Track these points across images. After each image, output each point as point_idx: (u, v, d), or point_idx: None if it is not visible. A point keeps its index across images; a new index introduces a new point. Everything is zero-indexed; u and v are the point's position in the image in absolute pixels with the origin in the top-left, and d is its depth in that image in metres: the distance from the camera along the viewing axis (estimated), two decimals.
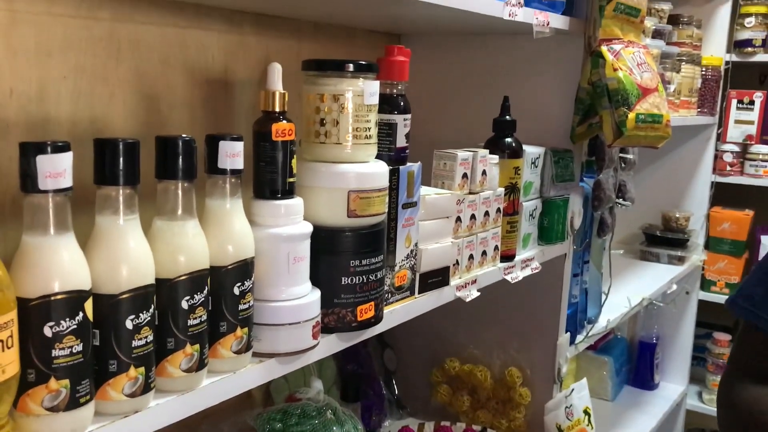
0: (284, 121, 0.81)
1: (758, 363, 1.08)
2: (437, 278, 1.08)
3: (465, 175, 1.14)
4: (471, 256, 1.17)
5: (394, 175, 0.96)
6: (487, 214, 1.19)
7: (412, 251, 1.02)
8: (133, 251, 0.65)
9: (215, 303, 0.75)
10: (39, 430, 0.61)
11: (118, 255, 0.64)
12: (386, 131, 0.97)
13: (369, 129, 0.89)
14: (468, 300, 1.15)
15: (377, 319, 0.93)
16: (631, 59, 1.31)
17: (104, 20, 0.93)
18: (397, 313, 1.01)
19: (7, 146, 0.85)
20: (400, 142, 0.99)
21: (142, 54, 0.99)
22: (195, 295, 0.71)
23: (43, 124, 0.90)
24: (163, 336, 0.70)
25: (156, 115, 1.02)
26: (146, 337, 0.66)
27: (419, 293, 1.05)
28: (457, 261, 1.13)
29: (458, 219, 1.13)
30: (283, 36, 1.23)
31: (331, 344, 0.90)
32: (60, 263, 0.60)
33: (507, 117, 1.25)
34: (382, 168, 0.92)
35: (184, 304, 0.70)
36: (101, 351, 0.65)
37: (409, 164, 0.99)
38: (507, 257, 1.26)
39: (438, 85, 1.49)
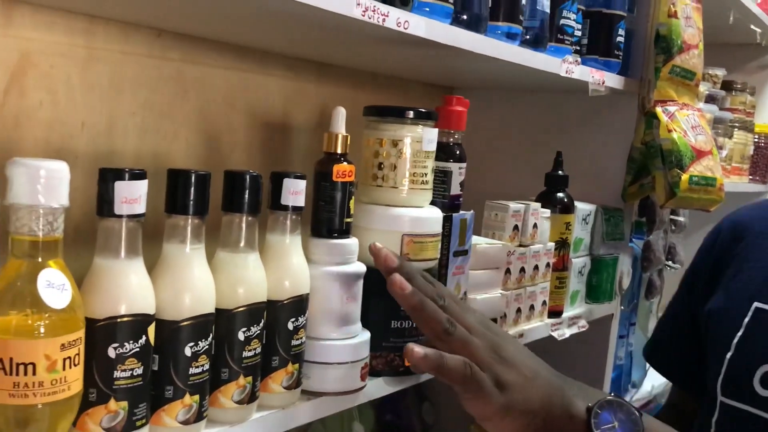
0: (345, 163, 0.83)
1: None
2: None
3: (516, 227, 1.14)
4: (519, 310, 1.16)
5: (447, 221, 0.97)
6: (536, 267, 1.18)
7: (461, 299, 1.02)
8: (197, 280, 0.67)
9: (269, 337, 0.76)
10: None
11: (182, 282, 0.66)
12: (441, 178, 0.99)
13: (426, 175, 0.90)
14: None
15: None
16: (685, 121, 1.31)
17: (174, 60, 0.97)
18: None
19: (74, 177, 0.88)
20: (455, 189, 1.00)
21: (207, 94, 1.03)
22: (252, 327, 0.72)
23: (109, 156, 0.93)
24: (218, 366, 0.71)
25: (216, 153, 1.05)
26: (203, 365, 0.67)
27: None
28: (504, 314, 1.12)
29: (507, 271, 1.13)
30: (341, 84, 1.26)
31: (378, 388, 0.89)
32: (128, 287, 0.61)
33: (559, 172, 1.25)
34: (437, 214, 0.93)
35: (241, 335, 0.71)
36: (159, 376, 0.66)
37: (462, 212, 1.00)
38: (554, 313, 1.25)
39: (490, 139, 1.51)
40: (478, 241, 1.07)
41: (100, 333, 0.60)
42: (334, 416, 1.33)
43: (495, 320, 1.09)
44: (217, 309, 0.70)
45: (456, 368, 0.64)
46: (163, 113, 0.98)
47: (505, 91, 1.51)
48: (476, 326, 0.68)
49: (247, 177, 0.71)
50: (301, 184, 0.77)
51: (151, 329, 0.63)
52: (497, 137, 1.51)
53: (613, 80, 1.26)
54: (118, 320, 0.61)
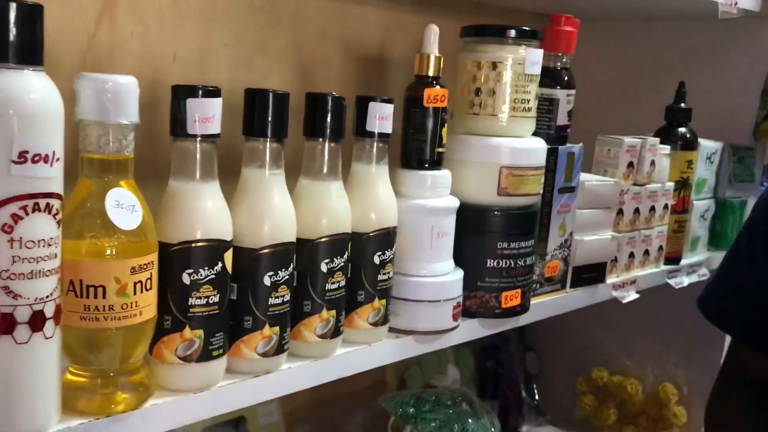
0: (438, 87, 0.77)
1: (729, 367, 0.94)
2: (592, 274, 1.00)
3: (631, 164, 1.04)
4: (632, 254, 1.07)
5: (552, 154, 0.89)
6: (653, 209, 1.08)
7: (566, 241, 0.95)
8: (277, 206, 0.63)
9: (354, 271, 0.72)
10: (171, 378, 0.60)
11: (261, 209, 0.63)
12: (546, 107, 0.91)
13: (528, 101, 0.83)
14: (625, 302, 1.06)
15: (523, 308, 0.86)
16: None
17: None
18: (545, 305, 0.93)
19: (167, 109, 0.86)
20: (561, 119, 0.92)
21: (301, 26, 0.98)
22: (335, 259, 0.68)
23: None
24: (300, 298, 0.68)
25: (311, 88, 1.01)
26: (283, 296, 0.64)
27: (571, 287, 0.97)
28: (615, 257, 1.04)
29: (620, 211, 1.03)
30: (442, 15, 1.19)
31: (472, 329, 0.84)
32: (203, 210, 0.59)
33: (682, 105, 1.14)
34: (540, 144, 0.85)
35: (324, 267, 0.67)
36: (237, 306, 0.63)
37: (569, 145, 0.92)
38: (672, 260, 1.15)
39: (604, 73, 1.39)
40: (588, 179, 0.98)
41: (175, 258, 0.58)
42: (432, 358, 1.29)
43: (604, 264, 1.01)
44: (298, 239, 0.66)
45: None
46: (255, 46, 0.95)
47: (620, 20, 1.38)
48: None
49: (329, 99, 0.67)
50: (388, 108, 0.71)
51: (228, 256, 0.60)
52: (611, 72, 1.39)
53: (748, 1, 1.12)
54: (193, 245, 0.58)
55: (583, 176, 0.98)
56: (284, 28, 0.97)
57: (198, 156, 0.59)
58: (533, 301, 0.90)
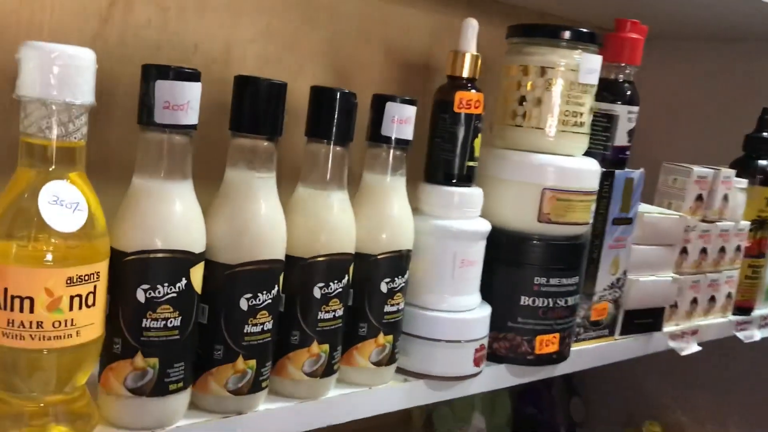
0: (473, 91, 0.65)
1: None
2: (647, 320, 0.87)
3: (700, 197, 0.91)
4: (695, 300, 0.93)
5: (607, 179, 0.76)
6: (723, 250, 0.94)
7: (618, 280, 0.82)
8: (263, 216, 0.53)
9: (357, 299, 0.61)
10: (119, 412, 0.50)
11: (243, 217, 0.53)
12: (603, 124, 0.79)
13: (581, 115, 0.71)
14: (683, 354, 0.92)
15: (561, 355, 0.74)
16: None
17: None
18: (588, 353, 0.81)
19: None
20: (620, 139, 0.79)
21: (339, 25, 0.88)
22: (331, 283, 0.57)
23: (223, 87, 0.82)
24: (287, 328, 0.57)
25: None
26: (264, 323, 0.54)
27: (621, 334, 0.84)
28: (675, 303, 0.90)
29: (684, 250, 0.90)
30: (497, 22, 1.07)
31: (498, 377, 0.72)
32: (167, 214, 0.49)
33: (764, 134, 0.99)
34: (592, 166, 0.73)
35: (317, 292, 0.57)
36: (208, 332, 0.53)
37: (628, 170, 0.79)
38: (742, 309, 1.00)
39: (675, 93, 1.25)
40: (648, 210, 0.85)
41: (128, 270, 0.48)
42: (464, 398, 1.17)
43: (662, 310, 0.88)
44: (288, 256, 0.56)
45: None
46: (286, 43, 0.85)
47: (699, 40, 1.24)
48: None
49: (337, 94, 0.56)
50: (409, 111, 0.61)
51: (196, 272, 0.50)
52: (684, 91, 1.25)
53: None
54: (151, 256, 0.48)
55: (643, 207, 0.85)
56: (320, 26, 0.87)
57: (165, 149, 0.49)
58: (575, 347, 0.78)
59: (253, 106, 0.52)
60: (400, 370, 0.66)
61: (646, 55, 0.81)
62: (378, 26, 0.93)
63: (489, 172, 0.72)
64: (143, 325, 0.49)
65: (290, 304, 0.57)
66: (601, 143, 0.79)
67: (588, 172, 0.72)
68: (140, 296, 0.48)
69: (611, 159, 0.79)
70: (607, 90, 0.78)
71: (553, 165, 0.70)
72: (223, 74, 0.77)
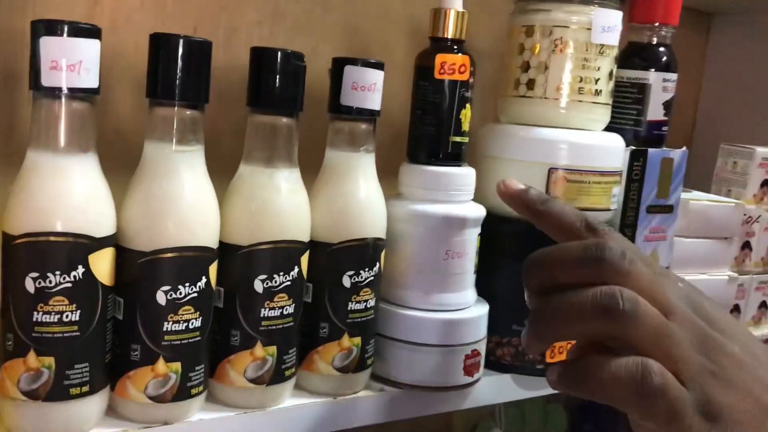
0: (457, 54, 0.56)
1: None
2: None
3: (766, 183, 0.77)
4: (763, 304, 0.80)
5: (637, 158, 0.65)
6: None
7: None
8: (186, 196, 0.46)
9: (316, 295, 0.53)
10: (13, 418, 0.44)
11: (160, 197, 0.46)
12: (633, 95, 0.67)
13: (596, 81, 0.60)
14: None
15: None
16: None
17: None
18: None
19: None
20: (654, 113, 0.67)
21: (358, 5, 0.80)
22: (276, 276, 0.49)
23: (226, 74, 0.76)
24: (226, 326, 0.50)
25: None
26: (188, 321, 0.47)
27: None
28: (736, 305, 0.77)
29: (746, 245, 0.77)
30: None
31: (502, 389, 0.62)
32: (59, 193, 0.42)
33: None
34: (612, 141, 0.62)
35: (258, 286, 0.49)
36: (123, 329, 0.46)
37: (666, 149, 0.68)
38: None
39: (742, 71, 1.09)
40: (696, 197, 0.73)
41: (16, 256, 0.42)
42: (512, 411, 1.06)
43: None
44: (224, 244, 0.49)
45: (626, 374, 0.33)
46: (297, 25, 0.78)
47: (762, 13, 1.08)
48: (679, 306, 0.35)
49: (278, 55, 0.49)
50: (372, 75, 0.52)
51: (99, 259, 0.44)
52: (753, 69, 1.09)
53: None
54: (40, 239, 0.42)
55: (691, 194, 0.72)
56: (335, 6, 0.79)
57: (54, 117, 0.42)
58: None
59: (171, 69, 0.45)
60: (378, 378, 0.58)
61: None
62: (401, 6, 0.84)
63: (489, 151, 0.62)
64: (34, 319, 0.42)
65: (229, 300, 0.50)
66: (630, 117, 0.67)
67: (606, 148, 0.61)
68: (29, 286, 0.42)
69: (644, 136, 0.68)
70: (638, 55, 0.67)
71: (562, 140, 0.60)
72: (225, 61, 0.71)
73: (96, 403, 0.46)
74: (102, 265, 0.44)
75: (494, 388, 0.62)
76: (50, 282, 0.42)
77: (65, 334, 0.43)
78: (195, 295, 0.47)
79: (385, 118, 0.67)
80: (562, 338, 0.36)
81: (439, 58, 0.55)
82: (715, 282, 0.74)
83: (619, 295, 0.33)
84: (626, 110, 0.67)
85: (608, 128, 0.64)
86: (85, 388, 0.44)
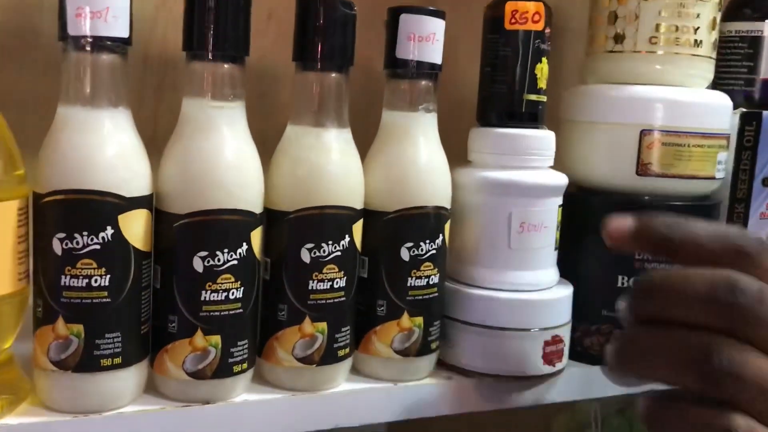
0: (531, 0, 0.50)
1: None
2: None
3: None
4: None
5: (750, 122, 0.56)
6: None
7: None
8: (222, 155, 0.42)
9: (372, 270, 0.48)
10: (45, 389, 0.42)
11: (195, 156, 0.42)
12: (744, 50, 0.59)
13: (695, 30, 0.52)
14: None
15: None
16: None
17: None
18: None
19: None
20: None
21: None
22: (324, 245, 0.45)
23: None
24: (273, 300, 0.46)
25: None
26: (228, 291, 0.43)
27: None
28: None
29: None
30: None
31: (590, 383, 0.55)
32: (87, 149, 0.40)
33: None
34: (716, 99, 0.54)
35: (305, 256, 0.45)
36: (161, 298, 0.43)
37: None
38: None
39: None
40: None
41: (44, 215, 0.40)
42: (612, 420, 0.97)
43: None
44: (269, 210, 0.45)
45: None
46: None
47: None
48: None
49: (323, 2, 0.45)
50: (432, 24, 0.47)
51: (132, 221, 0.41)
52: None
53: None
54: (66, 197, 0.39)
55: None
56: None
57: (82, 68, 0.40)
58: None
59: (201, 21, 0.42)
60: (445, 366, 0.52)
61: None
62: None
63: (574, 115, 0.56)
64: (62, 283, 0.40)
65: (275, 271, 0.46)
66: (741, 77, 0.59)
67: (709, 106, 0.53)
68: (56, 247, 0.40)
69: (760, 96, 0.59)
70: (748, 5, 0.58)
71: (656, 98, 0.52)
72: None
73: (131, 376, 0.43)
74: (134, 227, 0.41)
75: (581, 381, 0.55)
76: (77, 243, 0.40)
77: (94, 300, 0.40)
78: (235, 262, 0.43)
79: (460, 81, 0.62)
80: (653, 381, 0.31)
81: (510, 5, 0.50)
82: None
83: (740, 365, 0.28)
84: (736, 68, 0.59)
85: (714, 89, 0.56)
86: (117, 360, 0.41)
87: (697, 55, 0.53)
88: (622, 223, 0.32)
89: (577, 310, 0.54)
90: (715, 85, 0.59)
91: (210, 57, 0.42)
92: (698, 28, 0.52)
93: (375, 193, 0.48)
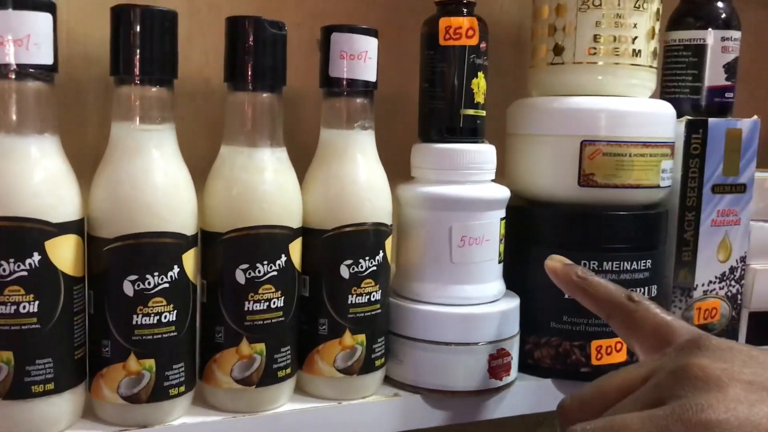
0: (466, 16, 0.50)
1: None
2: None
3: None
4: None
5: (696, 129, 0.56)
6: None
7: (732, 270, 0.60)
8: (151, 178, 0.42)
9: (313, 288, 0.48)
10: None
11: (125, 181, 0.42)
12: (687, 58, 0.59)
13: (633, 40, 0.53)
14: None
15: None
16: None
17: None
18: None
19: None
20: (715, 77, 0.59)
21: (408, 3, 0.74)
22: (259, 265, 0.45)
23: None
24: (210, 322, 0.46)
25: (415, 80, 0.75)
26: (160, 314, 0.43)
27: (746, 343, 0.61)
28: None
29: None
30: None
31: (540, 395, 0.54)
32: (17, 176, 0.40)
33: None
34: (658, 108, 0.54)
35: (240, 277, 0.45)
36: (94, 324, 0.43)
37: (732, 118, 0.59)
38: None
39: None
40: None
41: None
42: None
43: None
44: (203, 231, 0.45)
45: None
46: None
47: None
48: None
49: (253, 24, 0.45)
50: (364, 43, 0.47)
51: (57, 246, 0.41)
52: None
53: None
54: None
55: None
56: (381, 7, 0.72)
57: (12, 95, 0.40)
58: None
59: (128, 43, 0.42)
60: (392, 382, 0.52)
61: None
62: None
63: (517, 128, 0.56)
64: None
65: (211, 293, 0.46)
66: (686, 84, 0.59)
67: (651, 116, 0.53)
68: None
69: (706, 104, 0.59)
70: (691, 14, 0.59)
71: (595, 108, 0.52)
72: None
73: (65, 402, 0.42)
74: (63, 252, 0.41)
75: (532, 395, 0.54)
76: (4, 270, 0.40)
77: (23, 327, 0.40)
78: (167, 285, 0.43)
79: (405, 98, 0.61)
80: None
81: (443, 21, 0.50)
82: None
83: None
84: (681, 77, 0.59)
85: (661, 98, 0.56)
86: (50, 386, 0.41)
87: (637, 65, 0.53)
88: (554, 264, 0.39)
89: (527, 322, 0.54)
90: (661, 94, 0.59)
91: (137, 81, 0.43)
92: (636, 37, 0.53)
93: (314, 211, 0.48)
